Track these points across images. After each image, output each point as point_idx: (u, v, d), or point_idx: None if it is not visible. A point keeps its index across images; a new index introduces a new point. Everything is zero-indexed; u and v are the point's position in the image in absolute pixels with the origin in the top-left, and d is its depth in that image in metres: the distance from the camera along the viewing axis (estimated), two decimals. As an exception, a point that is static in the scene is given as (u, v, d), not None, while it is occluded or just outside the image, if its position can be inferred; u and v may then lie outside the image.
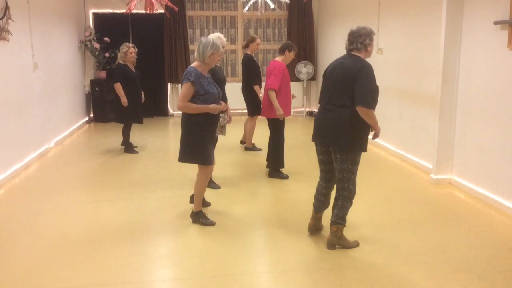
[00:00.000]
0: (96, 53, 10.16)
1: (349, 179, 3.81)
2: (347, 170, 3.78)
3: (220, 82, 4.86)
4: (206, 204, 4.85)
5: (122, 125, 7.49)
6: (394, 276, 3.48)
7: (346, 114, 3.68)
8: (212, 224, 4.42)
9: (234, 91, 8.53)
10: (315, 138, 3.98)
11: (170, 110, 11.21)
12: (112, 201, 5.20)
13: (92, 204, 5.13)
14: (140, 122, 7.49)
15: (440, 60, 5.54)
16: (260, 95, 6.99)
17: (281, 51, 5.92)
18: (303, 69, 10.91)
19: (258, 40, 7.26)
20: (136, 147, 7.66)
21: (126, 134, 7.45)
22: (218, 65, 5.20)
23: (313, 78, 11.15)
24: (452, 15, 5.39)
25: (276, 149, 5.87)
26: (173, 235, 4.28)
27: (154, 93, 10.90)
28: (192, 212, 4.51)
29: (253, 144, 7.50)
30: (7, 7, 5.94)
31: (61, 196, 5.39)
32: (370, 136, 3.85)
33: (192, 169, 6.52)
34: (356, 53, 3.78)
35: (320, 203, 4.09)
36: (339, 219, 3.83)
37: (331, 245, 3.89)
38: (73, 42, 9.54)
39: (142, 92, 7.45)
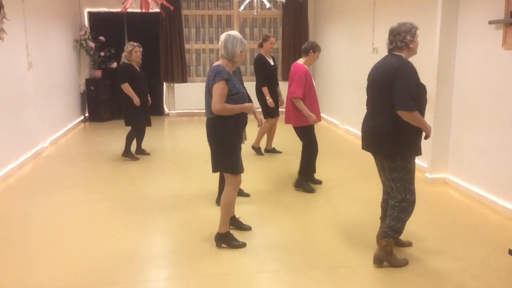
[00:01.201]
0: (91, 52, 10.13)
1: (405, 188, 3.52)
2: (399, 179, 3.51)
3: (242, 83, 4.69)
4: (245, 194, 4.91)
5: (123, 127, 7.06)
6: (387, 275, 3.49)
7: (389, 120, 3.44)
8: (243, 245, 3.96)
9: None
10: (364, 146, 3.76)
11: (166, 110, 11.19)
12: (107, 200, 5.18)
13: (87, 204, 5.12)
14: (150, 124, 7.10)
15: (435, 59, 5.55)
16: (268, 97, 6.72)
17: (305, 52, 5.37)
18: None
19: (272, 39, 6.89)
20: (149, 153, 7.26)
21: (130, 139, 6.96)
22: None
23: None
24: (447, 14, 5.40)
25: (308, 159, 5.43)
26: (170, 235, 4.28)
27: (150, 92, 10.83)
28: (218, 233, 3.95)
29: (260, 147, 7.20)
30: (1, 6, 5.92)
31: (56, 196, 5.37)
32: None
33: (187, 165, 6.56)
34: (397, 53, 3.53)
35: (384, 212, 3.80)
36: (392, 231, 3.53)
37: (378, 261, 3.58)
38: (68, 41, 9.50)
39: (148, 94, 7.06)
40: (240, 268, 3.64)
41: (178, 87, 10.95)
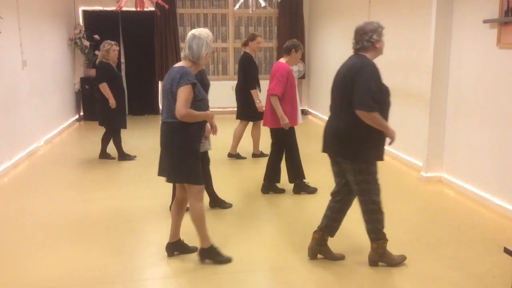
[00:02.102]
0: (86, 51, 10.08)
1: (369, 190, 3.42)
2: (363, 181, 3.40)
3: (207, 87, 4.40)
4: (226, 205, 4.68)
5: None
6: (383, 273, 3.50)
7: (351, 121, 3.31)
8: (229, 260, 3.69)
9: (226, 89, 8.46)
10: (323, 149, 3.61)
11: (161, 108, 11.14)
12: (102, 200, 5.16)
13: (82, 203, 5.10)
14: (125, 127, 6.84)
15: (430, 58, 5.56)
16: (257, 101, 6.44)
17: (287, 51, 5.16)
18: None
19: (259, 39, 6.55)
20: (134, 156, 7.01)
21: (105, 141, 6.84)
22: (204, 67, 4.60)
23: (303, 76, 11.16)
24: (442, 13, 5.41)
25: (274, 162, 5.26)
26: (165, 234, 4.26)
27: (145, 91, 10.85)
28: (202, 249, 3.67)
29: (261, 151, 6.88)
30: (-5, 4, 5.89)
31: (51, 195, 5.35)
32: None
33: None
34: (362, 53, 3.43)
35: (327, 219, 3.64)
36: (374, 234, 3.50)
37: (372, 262, 3.57)
38: (62, 40, 9.46)
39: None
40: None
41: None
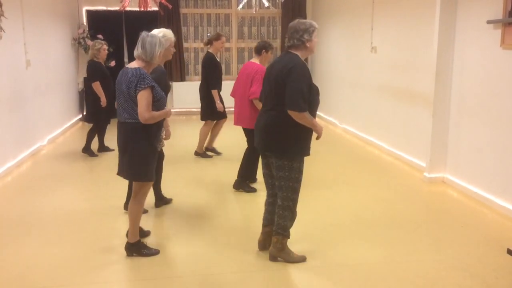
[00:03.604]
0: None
1: (288, 188, 3.50)
2: (284, 178, 3.48)
3: (166, 89, 4.37)
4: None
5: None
6: (387, 274, 3.50)
7: (279, 117, 3.44)
8: (156, 253, 3.80)
9: (230, 89, 8.43)
10: (256, 143, 3.69)
11: (164, 108, 11.16)
12: (105, 199, 5.18)
13: (85, 202, 5.12)
14: (109, 122, 7.20)
15: (433, 58, 5.56)
16: (218, 101, 6.50)
17: (258, 51, 5.26)
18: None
19: (223, 38, 6.57)
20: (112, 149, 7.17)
21: (91, 136, 7.14)
22: (162, 66, 4.59)
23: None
24: (445, 13, 5.40)
25: (249, 160, 5.29)
26: (176, 232, 4.28)
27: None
28: (128, 243, 3.75)
29: (214, 147, 7.08)
30: (-1, 4, 5.91)
31: (54, 194, 5.36)
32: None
33: (187, 162, 6.55)
34: (293, 51, 3.51)
35: (269, 214, 3.74)
36: (280, 229, 3.56)
37: (272, 257, 3.64)
38: (66, 40, 9.48)
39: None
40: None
41: (177, 86, 10.93)
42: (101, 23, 10.33)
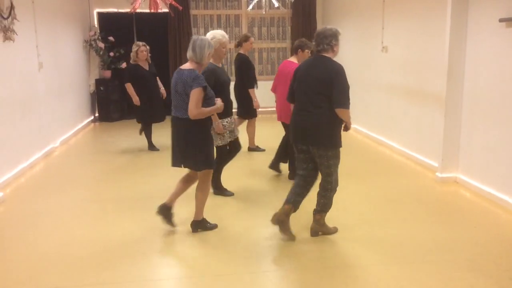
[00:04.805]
0: (101, 53, 10.18)
1: (332, 172, 4.00)
2: (328, 165, 3.96)
3: (224, 84, 4.85)
4: (229, 193, 5.13)
5: (132, 127, 7.56)
6: (399, 275, 3.48)
7: (327, 114, 3.85)
8: (215, 227, 4.34)
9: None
10: (296, 139, 4.07)
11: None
12: (117, 200, 5.21)
13: (98, 203, 5.15)
14: (157, 120, 7.38)
15: (445, 57, 5.51)
16: (255, 99, 6.81)
17: (294, 50, 5.61)
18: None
19: (252, 39, 7.01)
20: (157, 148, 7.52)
21: (147, 135, 7.48)
22: (220, 66, 5.02)
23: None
24: (457, 12, 5.36)
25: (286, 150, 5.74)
26: (179, 232, 4.29)
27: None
28: (195, 221, 4.28)
29: (257, 145, 7.39)
30: (12, 7, 5.96)
31: (67, 195, 5.40)
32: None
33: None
34: (324, 54, 3.91)
35: (294, 195, 4.07)
36: (323, 207, 4.06)
37: (314, 232, 4.11)
38: (78, 42, 9.56)
39: (162, 89, 7.44)
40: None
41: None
42: (112, 25, 10.40)
